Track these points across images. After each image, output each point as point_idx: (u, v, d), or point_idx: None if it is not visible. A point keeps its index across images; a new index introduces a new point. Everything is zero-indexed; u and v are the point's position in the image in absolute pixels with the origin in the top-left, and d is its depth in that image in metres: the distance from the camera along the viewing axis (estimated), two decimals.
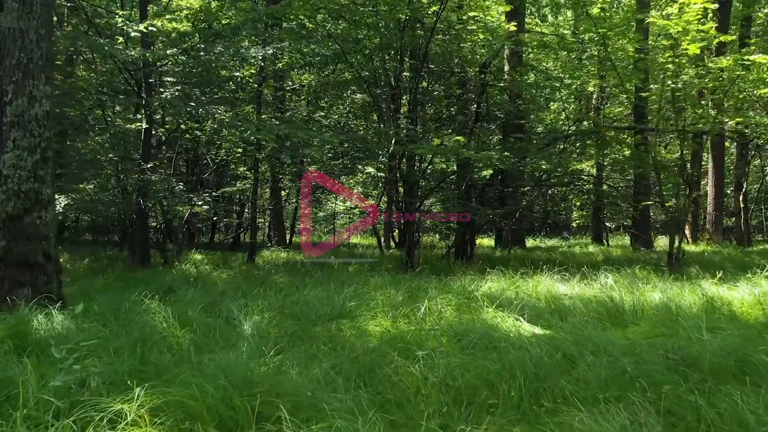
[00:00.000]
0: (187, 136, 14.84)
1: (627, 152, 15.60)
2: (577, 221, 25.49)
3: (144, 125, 13.73)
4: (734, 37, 13.91)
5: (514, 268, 12.54)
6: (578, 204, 20.27)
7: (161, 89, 11.76)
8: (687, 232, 21.84)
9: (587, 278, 9.05)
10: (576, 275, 9.21)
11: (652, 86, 10.31)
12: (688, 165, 10.75)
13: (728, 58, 10.23)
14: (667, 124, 11.29)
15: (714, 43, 10.02)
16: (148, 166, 13.43)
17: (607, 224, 22.71)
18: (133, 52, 11.35)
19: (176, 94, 11.29)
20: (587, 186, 17.28)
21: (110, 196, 14.34)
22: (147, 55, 11.55)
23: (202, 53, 13.13)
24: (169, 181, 13.56)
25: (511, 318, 6.24)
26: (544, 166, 10.69)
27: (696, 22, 9.83)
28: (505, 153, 10.05)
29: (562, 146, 12.17)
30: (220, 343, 5.39)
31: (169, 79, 12.97)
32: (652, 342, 5.00)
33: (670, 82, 9.81)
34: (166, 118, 15.80)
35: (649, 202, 11.79)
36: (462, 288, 8.16)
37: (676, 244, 11.12)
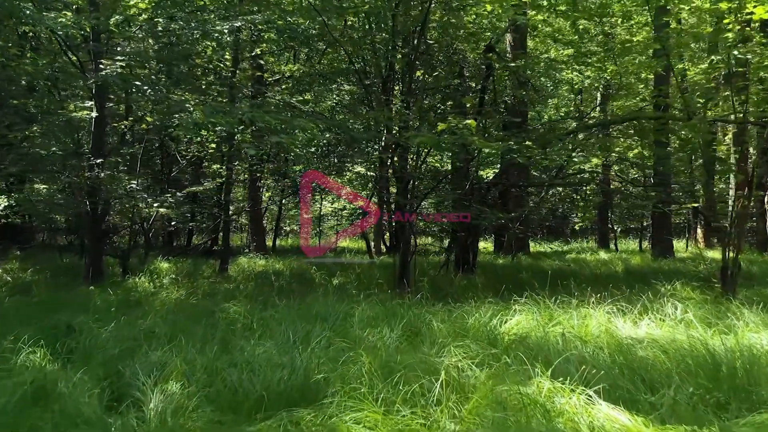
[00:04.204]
0: (144, 126, 12.11)
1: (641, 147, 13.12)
2: (579, 224, 22.95)
3: (94, 113, 11.02)
4: None
5: (526, 282, 9.98)
6: (581, 204, 17.71)
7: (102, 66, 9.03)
8: (700, 234, 19.36)
9: (641, 301, 6.45)
10: (626, 299, 6.65)
11: (714, 57, 7.72)
12: (749, 160, 8.18)
13: None
14: (724, 109, 8.71)
15: None
16: (98, 161, 10.72)
17: (615, 227, 20.13)
18: (63, 20, 8.63)
19: (118, 71, 8.59)
20: (596, 184, 14.69)
21: (55, 196, 11.62)
22: (83, 22, 8.85)
23: (160, 28, 10.46)
24: (120, 179, 10.83)
25: (578, 394, 3.63)
26: (575, 159, 8.18)
27: None
28: (527, 142, 7.47)
29: (588, 137, 9.59)
30: None
31: (119, 58, 10.25)
32: None
33: (735, 52, 7.23)
34: (140, 111, 13.08)
35: (696, 204, 9.28)
36: (481, 325, 5.53)
37: (731, 254, 8.55)
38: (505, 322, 5.68)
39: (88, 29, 9.24)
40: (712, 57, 7.69)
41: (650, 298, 6.65)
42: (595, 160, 12.58)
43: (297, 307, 6.21)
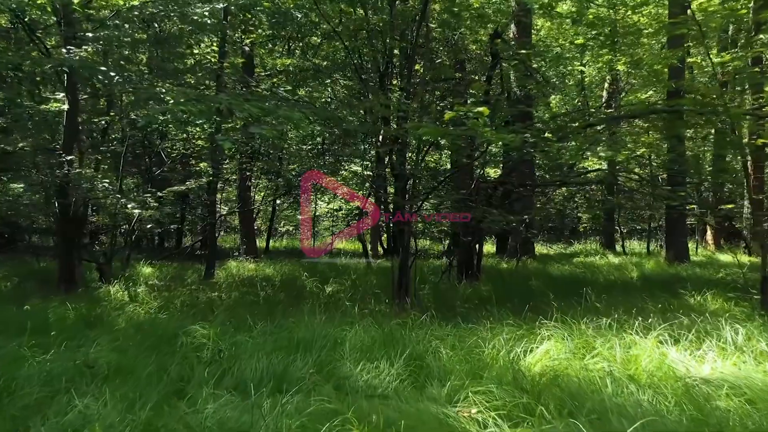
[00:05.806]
0: (115, 121, 10.93)
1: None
2: (584, 224, 21.74)
3: (65, 106, 9.86)
4: None
5: (538, 292, 8.83)
6: (596, 204, 16.49)
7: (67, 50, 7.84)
8: (710, 236, 18.23)
9: (691, 324, 5.27)
10: (662, 316, 5.48)
11: (764, 36, 6.56)
12: None
13: None
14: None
15: None
16: (68, 158, 9.53)
17: (623, 228, 18.92)
18: None
19: (81, 55, 7.41)
20: (613, 183, 13.44)
21: (22, 195, 10.43)
22: (42, 1, 7.66)
23: (136, 12, 9.27)
24: (93, 177, 9.64)
25: None
26: (602, 154, 7.04)
27: None
28: (547, 134, 6.31)
29: (608, 130, 8.42)
30: None
31: (89, 43, 9.07)
32: None
33: None
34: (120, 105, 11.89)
35: (730, 206, 8.12)
36: (502, 357, 4.35)
37: None
38: (530, 351, 4.51)
39: (49, 9, 8.04)
40: (761, 36, 6.52)
41: (700, 317, 5.45)
42: (620, 157, 11.38)
43: (278, 331, 5.01)
